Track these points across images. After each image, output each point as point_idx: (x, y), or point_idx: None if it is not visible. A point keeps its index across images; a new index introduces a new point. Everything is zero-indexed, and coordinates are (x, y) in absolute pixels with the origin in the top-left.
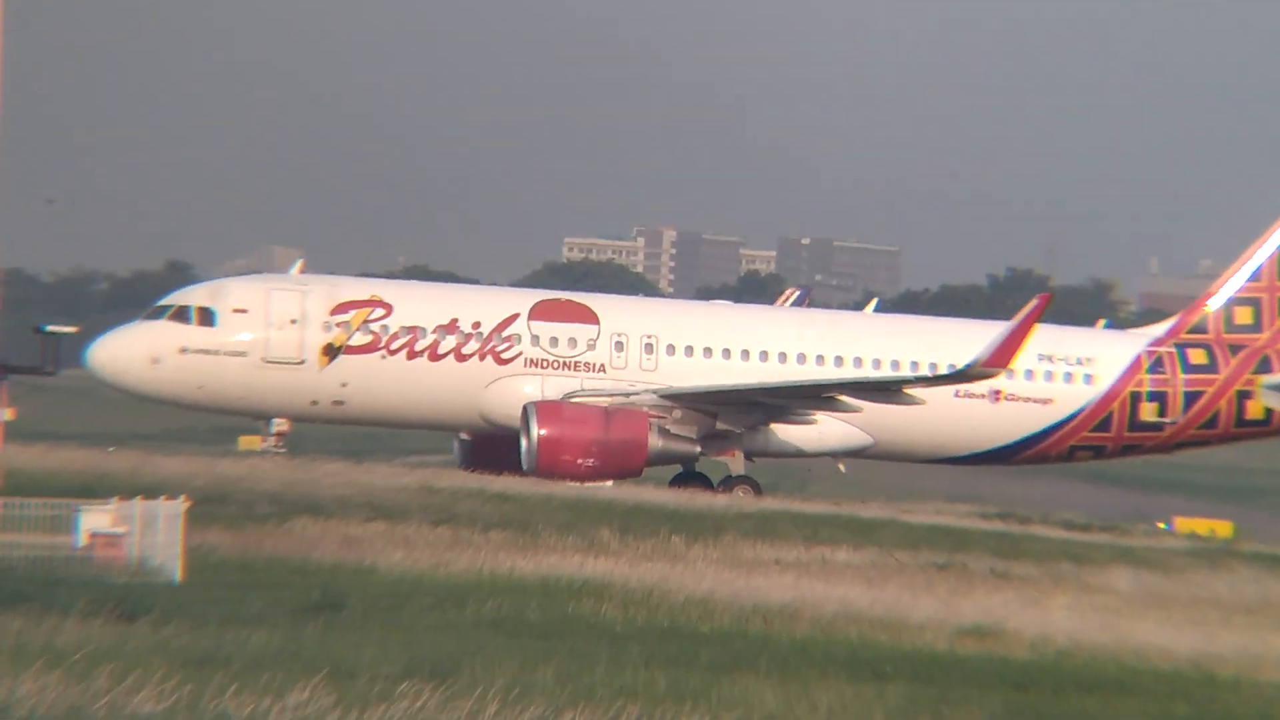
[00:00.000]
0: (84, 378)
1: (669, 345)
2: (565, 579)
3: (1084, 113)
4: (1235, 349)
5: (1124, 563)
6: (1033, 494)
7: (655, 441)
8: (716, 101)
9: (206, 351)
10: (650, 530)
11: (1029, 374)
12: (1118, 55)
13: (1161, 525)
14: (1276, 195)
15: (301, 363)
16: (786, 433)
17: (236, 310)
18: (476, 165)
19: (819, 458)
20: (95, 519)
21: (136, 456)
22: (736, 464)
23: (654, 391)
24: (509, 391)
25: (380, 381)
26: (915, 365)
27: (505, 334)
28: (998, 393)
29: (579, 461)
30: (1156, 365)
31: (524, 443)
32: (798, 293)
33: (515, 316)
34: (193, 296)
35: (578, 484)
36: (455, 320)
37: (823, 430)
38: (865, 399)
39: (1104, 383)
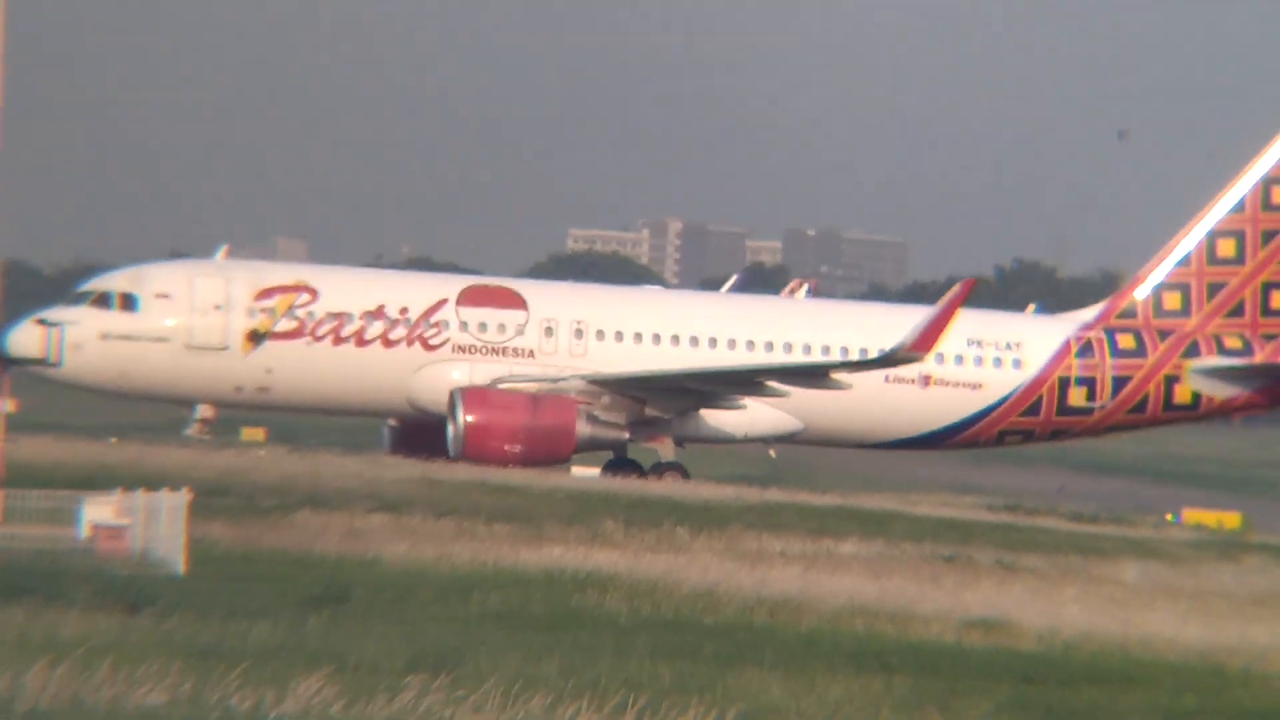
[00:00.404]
0: None
1: (598, 330)
2: (569, 571)
3: (1093, 102)
4: (1164, 334)
5: (1132, 554)
6: (1042, 485)
7: (583, 428)
8: (722, 92)
9: (128, 337)
10: (654, 522)
11: (959, 359)
12: (1128, 44)
13: (1169, 517)
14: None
15: (225, 349)
16: (716, 418)
17: (159, 295)
18: (481, 156)
19: (749, 443)
20: (98, 511)
21: (138, 448)
22: (666, 450)
23: (582, 377)
24: (437, 377)
25: (306, 368)
26: (845, 350)
27: (433, 320)
28: (927, 378)
29: (505, 448)
30: (1085, 350)
31: (450, 429)
32: (805, 286)
33: (443, 302)
34: (115, 282)
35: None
36: (382, 306)
37: (753, 416)
38: (792, 384)
39: (1032, 368)
